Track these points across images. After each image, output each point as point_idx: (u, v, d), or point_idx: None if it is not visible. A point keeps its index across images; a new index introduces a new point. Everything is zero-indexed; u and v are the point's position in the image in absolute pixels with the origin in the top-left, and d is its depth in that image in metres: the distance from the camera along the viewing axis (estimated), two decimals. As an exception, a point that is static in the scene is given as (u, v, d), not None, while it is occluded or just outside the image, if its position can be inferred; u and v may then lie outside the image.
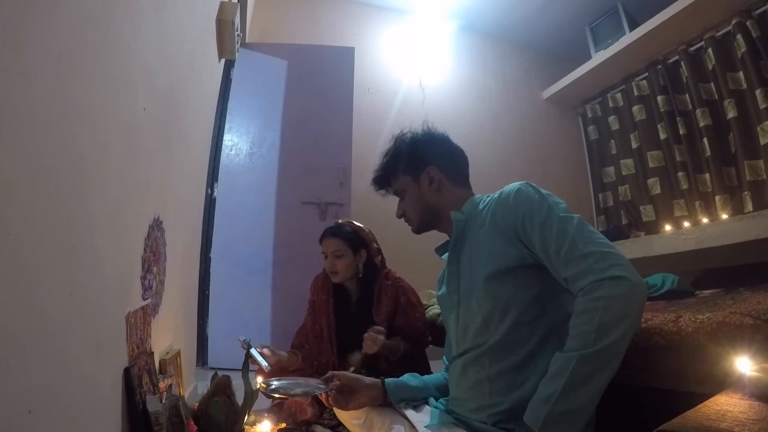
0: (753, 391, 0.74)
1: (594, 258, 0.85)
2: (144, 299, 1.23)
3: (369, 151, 3.14)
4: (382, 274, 1.73)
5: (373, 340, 1.45)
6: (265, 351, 1.57)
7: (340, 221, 1.82)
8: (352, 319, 1.72)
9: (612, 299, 0.80)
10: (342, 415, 1.25)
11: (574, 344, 0.82)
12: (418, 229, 1.20)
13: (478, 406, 0.99)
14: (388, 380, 1.16)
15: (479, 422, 0.97)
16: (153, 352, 1.27)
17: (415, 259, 2.29)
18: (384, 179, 1.23)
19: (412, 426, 1.03)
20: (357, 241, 1.72)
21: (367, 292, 1.72)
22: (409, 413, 1.08)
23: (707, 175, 3.02)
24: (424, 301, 1.86)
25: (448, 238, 1.14)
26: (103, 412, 0.93)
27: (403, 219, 1.21)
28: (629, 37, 3.29)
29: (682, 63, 3.16)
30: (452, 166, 1.18)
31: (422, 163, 1.15)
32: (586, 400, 0.80)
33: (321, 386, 1.12)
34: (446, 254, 1.14)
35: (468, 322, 1.03)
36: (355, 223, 1.81)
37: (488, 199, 1.09)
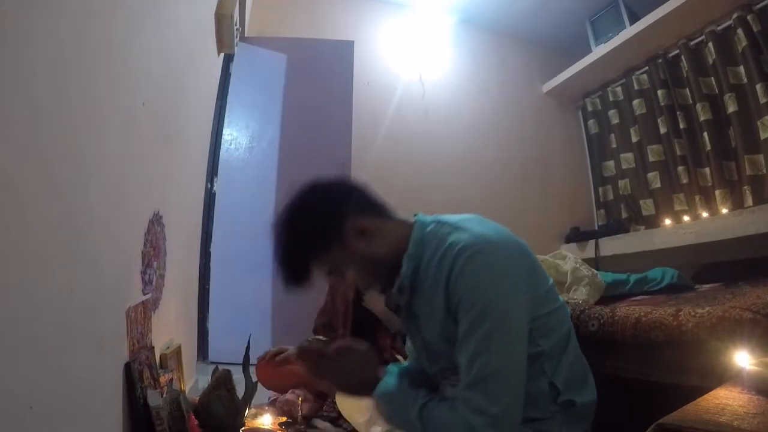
0: (752, 384, 0.75)
1: (490, 401, 0.77)
2: (144, 294, 1.23)
3: (369, 145, 3.15)
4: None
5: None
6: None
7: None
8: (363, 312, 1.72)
9: None
10: (344, 409, 1.26)
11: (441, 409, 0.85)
12: (369, 286, 1.03)
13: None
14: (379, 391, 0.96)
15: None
16: (153, 347, 1.27)
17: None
18: (302, 272, 0.93)
19: None
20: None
21: None
22: None
23: (707, 170, 3.01)
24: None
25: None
26: (104, 406, 0.94)
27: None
28: (629, 31, 3.27)
29: (683, 57, 3.14)
30: (365, 202, 0.96)
31: (338, 222, 0.90)
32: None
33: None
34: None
35: (438, 360, 0.96)
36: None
37: (435, 240, 0.90)
